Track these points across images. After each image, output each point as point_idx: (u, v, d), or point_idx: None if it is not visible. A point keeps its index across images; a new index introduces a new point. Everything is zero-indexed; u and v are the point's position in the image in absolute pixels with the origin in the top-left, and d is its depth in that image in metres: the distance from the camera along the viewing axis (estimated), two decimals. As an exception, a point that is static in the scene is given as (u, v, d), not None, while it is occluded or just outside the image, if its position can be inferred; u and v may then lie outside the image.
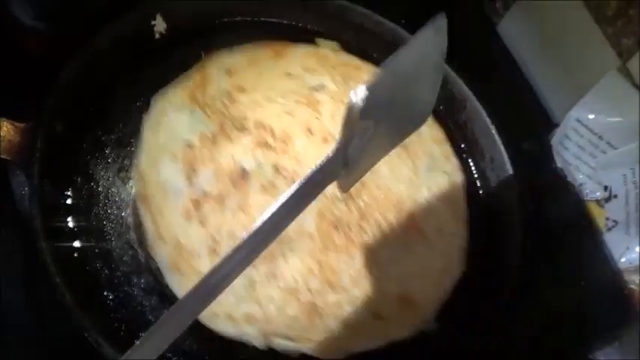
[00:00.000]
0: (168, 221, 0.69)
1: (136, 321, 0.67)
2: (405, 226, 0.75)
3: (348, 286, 0.70)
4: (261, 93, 0.79)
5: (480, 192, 0.87)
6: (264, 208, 0.68)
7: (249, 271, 0.66)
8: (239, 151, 0.74)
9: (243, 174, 0.73)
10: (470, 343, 0.73)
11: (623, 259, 0.81)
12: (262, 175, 0.73)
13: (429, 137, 0.84)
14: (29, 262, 0.69)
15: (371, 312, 0.69)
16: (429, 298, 0.72)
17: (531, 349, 0.77)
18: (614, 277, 0.77)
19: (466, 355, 0.73)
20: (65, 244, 0.68)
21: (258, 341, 0.66)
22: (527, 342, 0.77)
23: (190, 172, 0.72)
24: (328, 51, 0.87)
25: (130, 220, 0.71)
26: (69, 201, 0.70)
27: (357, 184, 0.74)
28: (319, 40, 0.89)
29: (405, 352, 0.70)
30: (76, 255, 0.68)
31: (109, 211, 0.71)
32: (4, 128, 0.67)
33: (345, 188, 0.62)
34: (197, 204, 0.70)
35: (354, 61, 0.87)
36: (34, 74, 0.74)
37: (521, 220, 0.80)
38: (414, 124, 0.64)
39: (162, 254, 0.68)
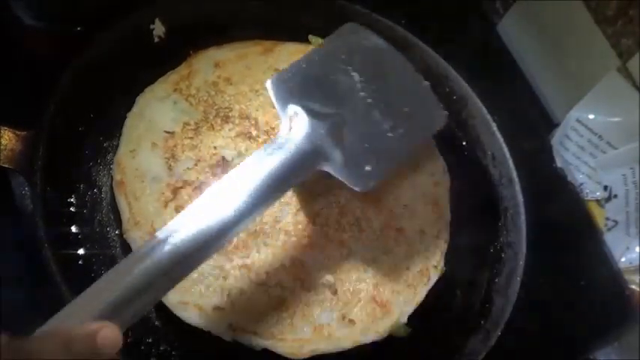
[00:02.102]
0: (144, 207, 0.69)
1: (143, 327, 0.67)
2: (385, 226, 0.75)
3: (320, 286, 0.69)
4: (247, 85, 0.79)
5: (483, 189, 0.87)
6: None
7: (221, 262, 0.67)
8: (221, 141, 0.74)
9: (224, 163, 0.73)
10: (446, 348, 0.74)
11: (623, 259, 0.82)
12: None
13: None
14: (29, 262, 0.69)
15: (341, 314, 0.69)
16: (403, 302, 0.72)
17: (531, 349, 0.78)
18: (614, 277, 0.77)
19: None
20: (69, 252, 0.68)
21: (224, 334, 0.65)
22: (526, 342, 0.78)
23: (171, 159, 0.72)
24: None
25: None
26: (72, 208, 0.71)
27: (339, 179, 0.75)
28: (312, 37, 0.88)
29: (374, 355, 0.70)
30: (80, 262, 0.68)
31: (112, 217, 0.71)
32: (5, 137, 0.67)
33: (360, 185, 0.63)
34: (175, 191, 0.70)
35: None
36: (34, 79, 0.74)
37: (526, 219, 0.80)
38: (428, 123, 0.70)
39: (137, 240, 0.68)
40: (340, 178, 0.63)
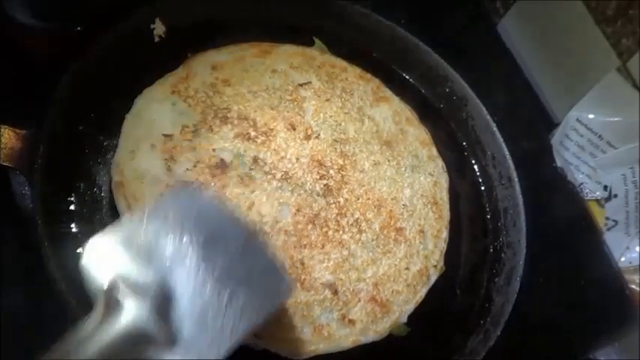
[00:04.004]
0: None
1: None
2: (384, 226, 0.75)
3: (320, 286, 0.69)
4: (245, 87, 0.79)
5: (482, 189, 0.87)
6: (240, 200, 0.70)
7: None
8: (220, 142, 0.74)
9: (222, 165, 0.72)
10: (446, 348, 0.74)
11: (623, 259, 0.82)
12: (241, 166, 0.73)
13: (415, 138, 0.83)
14: (29, 262, 0.69)
15: (341, 314, 0.69)
16: (403, 302, 0.72)
17: (531, 349, 0.78)
18: (614, 277, 0.77)
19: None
20: (69, 251, 0.67)
21: None
22: (526, 342, 0.78)
23: (170, 161, 0.71)
24: (315, 51, 0.86)
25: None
26: (72, 207, 0.70)
27: (339, 179, 0.75)
28: (316, 39, 0.88)
29: (374, 354, 0.70)
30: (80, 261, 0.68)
31: (112, 216, 0.71)
32: (5, 135, 0.67)
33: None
34: None
35: (340, 62, 0.86)
36: (34, 79, 0.74)
37: (526, 219, 0.81)
38: (271, 291, 0.59)
39: None
40: None
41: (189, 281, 0.55)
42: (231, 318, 0.54)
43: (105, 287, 0.52)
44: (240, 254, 0.59)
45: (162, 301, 0.53)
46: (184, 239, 0.56)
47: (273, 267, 0.61)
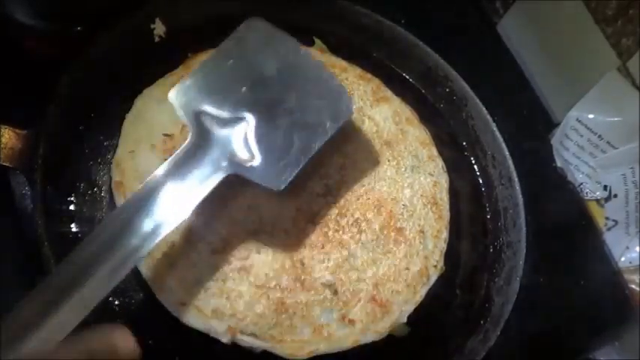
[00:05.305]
0: None
1: (143, 327, 0.67)
2: (384, 226, 0.75)
3: (320, 286, 0.69)
4: None
5: (482, 189, 0.87)
6: (241, 200, 0.70)
7: (220, 265, 0.67)
8: None
9: None
10: (446, 348, 0.74)
11: (623, 259, 0.82)
12: None
13: (415, 138, 0.83)
14: (29, 261, 0.69)
15: (341, 315, 0.69)
16: (403, 302, 0.72)
17: (531, 349, 0.78)
18: (614, 277, 0.77)
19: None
20: (69, 251, 0.67)
21: (224, 336, 0.65)
22: (526, 342, 0.78)
23: None
24: (315, 51, 0.86)
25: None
26: (72, 207, 0.70)
27: (338, 179, 0.75)
28: (316, 39, 0.88)
29: (374, 354, 0.70)
30: (80, 261, 0.68)
31: (112, 216, 0.71)
32: (6, 135, 0.67)
33: (275, 184, 0.62)
34: None
35: (340, 62, 0.86)
36: (34, 79, 0.74)
37: (526, 219, 0.80)
38: (336, 113, 0.67)
39: None
40: (253, 180, 0.62)
41: (266, 110, 0.64)
42: (303, 136, 0.64)
43: (194, 120, 0.62)
44: (309, 81, 0.67)
45: (243, 127, 0.63)
46: (260, 74, 0.66)
47: (336, 89, 0.68)
